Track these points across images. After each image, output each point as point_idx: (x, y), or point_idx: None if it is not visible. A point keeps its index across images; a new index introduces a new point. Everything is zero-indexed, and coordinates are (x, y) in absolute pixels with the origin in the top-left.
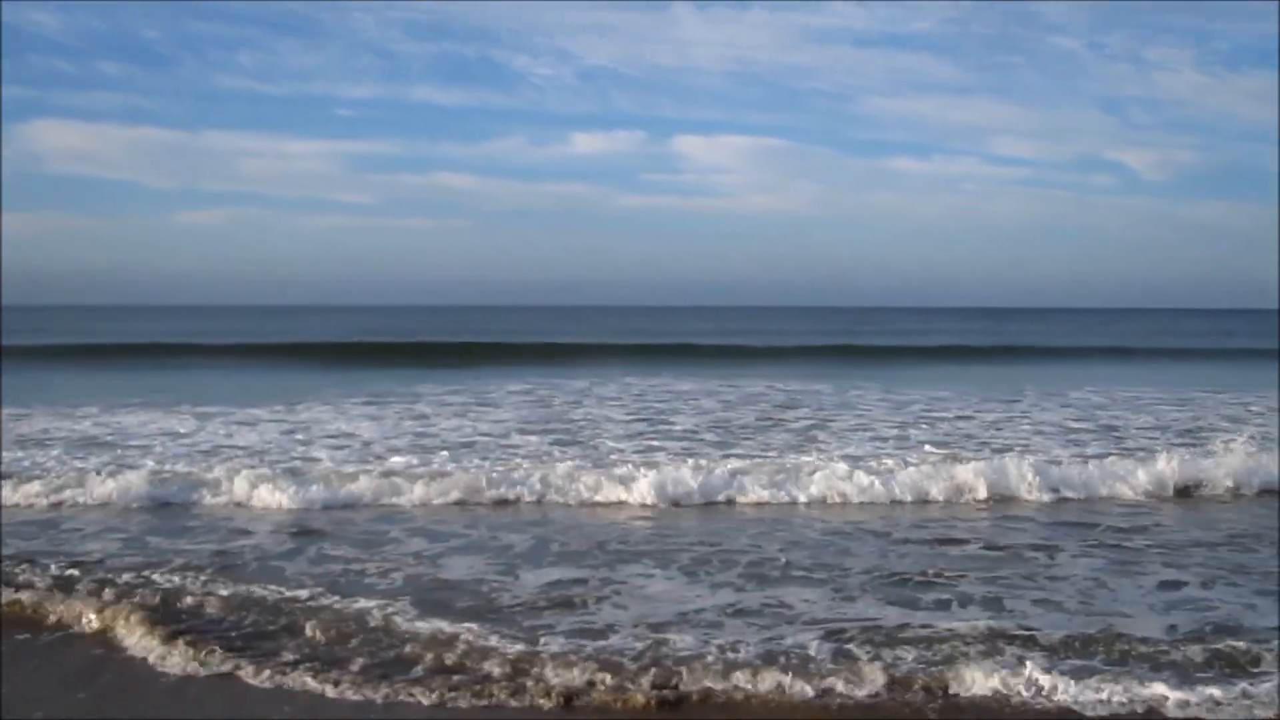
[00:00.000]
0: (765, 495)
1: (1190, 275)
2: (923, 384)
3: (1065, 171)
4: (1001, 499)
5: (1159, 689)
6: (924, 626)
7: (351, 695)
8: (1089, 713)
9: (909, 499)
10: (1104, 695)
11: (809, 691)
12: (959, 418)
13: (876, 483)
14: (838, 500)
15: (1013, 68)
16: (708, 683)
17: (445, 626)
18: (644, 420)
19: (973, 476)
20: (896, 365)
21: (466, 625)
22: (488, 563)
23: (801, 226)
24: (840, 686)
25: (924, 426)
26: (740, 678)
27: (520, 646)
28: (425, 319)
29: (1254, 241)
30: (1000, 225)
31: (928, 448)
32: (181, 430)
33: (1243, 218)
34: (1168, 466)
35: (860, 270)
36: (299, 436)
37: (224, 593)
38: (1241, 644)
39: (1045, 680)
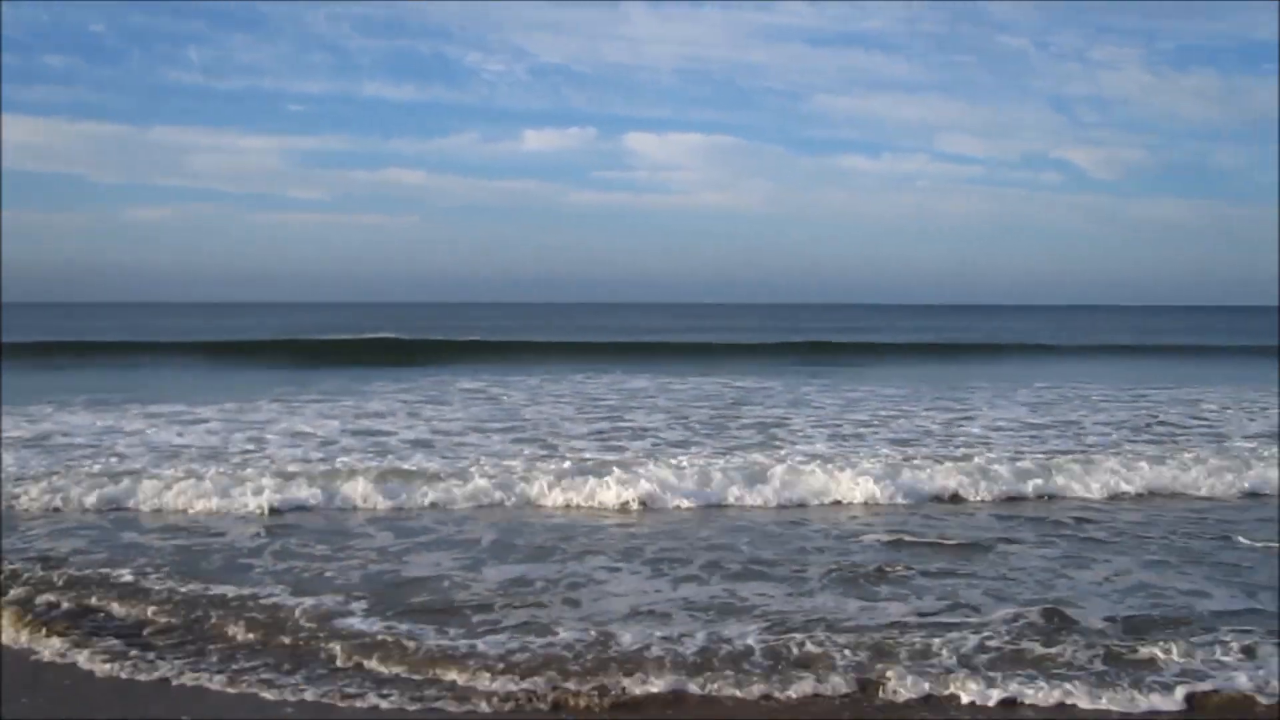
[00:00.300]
0: (732, 494)
1: (1139, 272)
2: (878, 381)
3: (1015, 169)
4: (965, 498)
5: (1101, 686)
6: (875, 621)
7: (290, 698)
8: (1026, 703)
9: (874, 497)
10: (1045, 691)
11: (754, 691)
12: (916, 415)
13: (843, 481)
14: (804, 499)
15: (962, 66)
16: (651, 681)
17: (393, 625)
18: (601, 418)
19: (937, 475)
20: (851, 362)
21: (416, 625)
22: (454, 559)
23: (754, 224)
24: (783, 685)
25: (881, 424)
26: (684, 676)
27: (466, 645)
28: (377, 316)
29: (1201, 239)
30: (952, 223)
31: (884, 450)
32: (132, 430)
33: (1189, 215)
34: (1127, 465)
35: (814, 268)
36: (253, 435)
37: (183, 590)
38: (1189, 637)
39: (985, 676)
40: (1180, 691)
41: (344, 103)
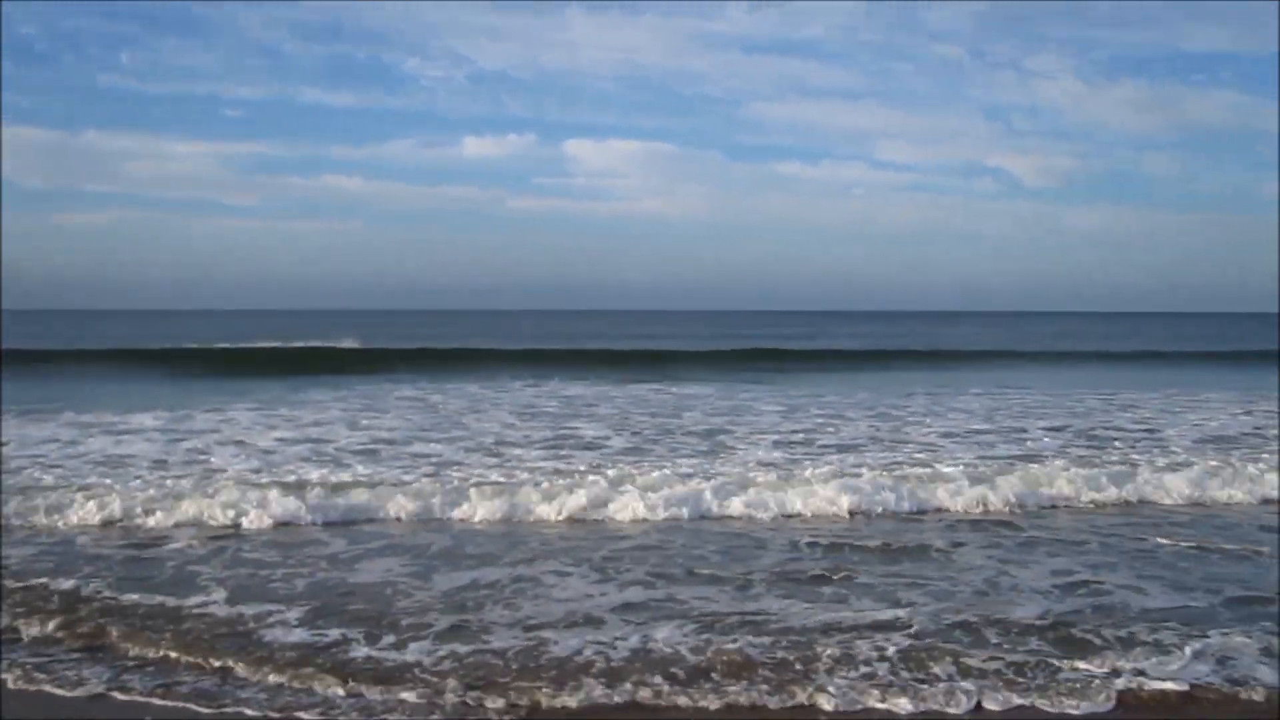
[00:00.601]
0: (690, 504)
1: (1072, 278)
2: (818, 387)
3: (951, 177)
4: (915, 506)
5: (1029, 685)
6: (806, 623)
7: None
8: (950, 706)
9: (824, 507)
10: (971, 692)
11: (676, 697)
12: (859, 421)
13: (793, 491)
14: (757, 509)
15: (899, 74)
16: (578, 689)
17: (321, 636)
18: (545, 427)
19: (890, 482)
20: (788, 369)
21: (344, 632)
22: (403, 565)
23: (693, 230)
24: (706, 691)
25: (824, 432)
26: (611, 683)
27: (396, 655)
28: (313, 323)
29: (1131, 246)
30: (891, 230)
31: (833, 458)
32: (68, 439)
33: (1119, 222)
34: (1073, 471)
35: (753, 274)
36: (194, 446)
37: (122, 600)
38: (1122, 636)
39: (910, 678)
40: (1110, 689)
41: (280, 108)
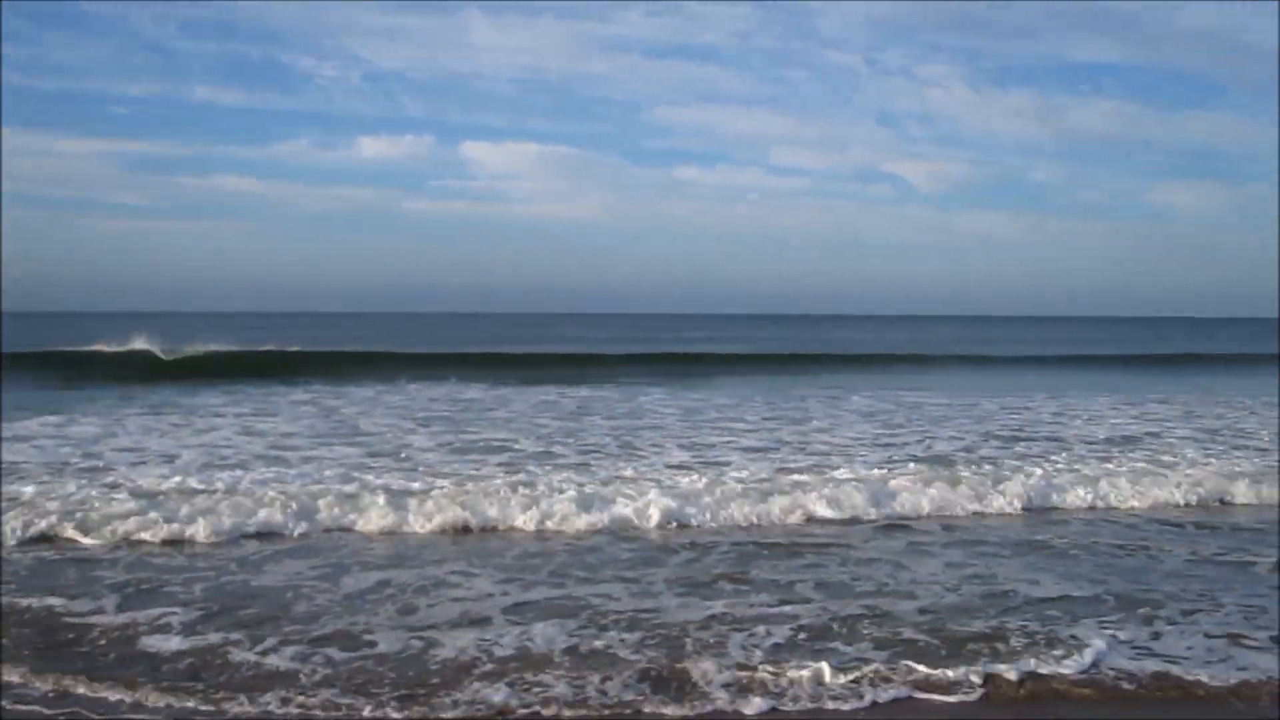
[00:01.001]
0: (616, 510)
1: (963, 282)
2: (718, 391)
3: (845, 182)
4: (830, 513)
5: (899, 674)
6: (687, 618)
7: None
8: (829, 706)
9: (733, 512)
10: (839, 681)
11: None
12: (763, 426)
13: (705, 495)
14: (674, 513)
15: (794, 81)
16: (452, 692)
17: (204, 640)
18: (446, 431)
19: (804, 488)
20: (690, 373)
21: (228, 635)
22: (312, 568)
23: (594, 233)
24: (580, 690)
25: (730, 435)
26: (486, 684)
27: (275, 661)
28: (203, 325)
29: (1019, 250)
30: (786, 234)
31: (739, 465)
32: None
33: (1009, 228)
34: (983, 472)
35: (655, 278)
36: (88, 450)
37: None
38: (1001, 626)
39: (781, 669)
40: (981, 681)
41: (171, 106)
